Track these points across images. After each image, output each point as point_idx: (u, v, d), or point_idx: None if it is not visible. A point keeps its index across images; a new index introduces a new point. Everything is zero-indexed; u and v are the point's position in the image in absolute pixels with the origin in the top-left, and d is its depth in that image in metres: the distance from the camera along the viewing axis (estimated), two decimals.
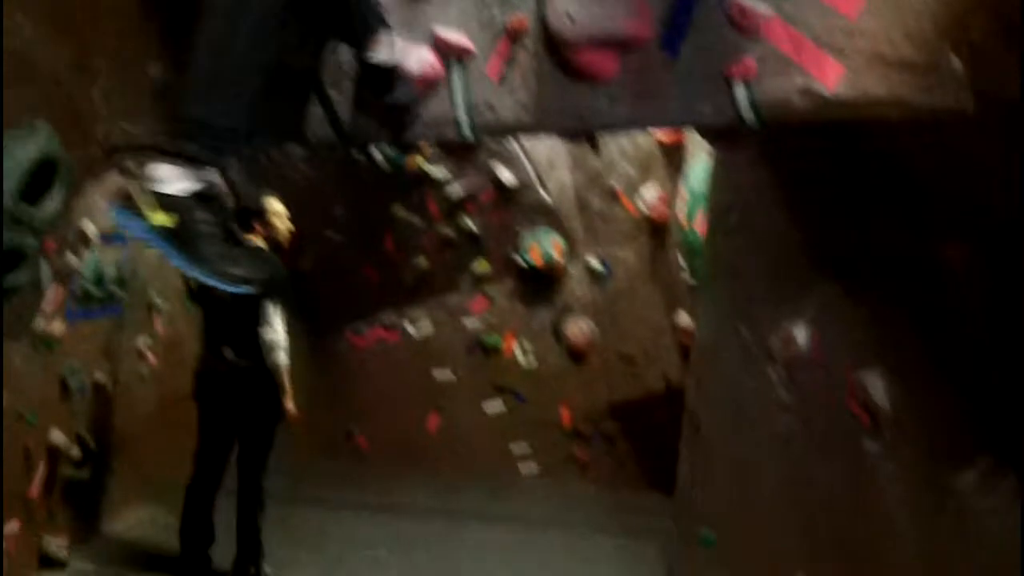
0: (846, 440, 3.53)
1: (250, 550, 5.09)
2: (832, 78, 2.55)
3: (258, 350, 4.95)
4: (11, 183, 3.45)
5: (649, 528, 6.22)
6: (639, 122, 3.03)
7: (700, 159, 5.69)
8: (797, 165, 3.56)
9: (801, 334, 3.65)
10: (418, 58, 2.92)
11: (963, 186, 2.79)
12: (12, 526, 4.33)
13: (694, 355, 4.15)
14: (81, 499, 5.20)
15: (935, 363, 3.16)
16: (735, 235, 3.86)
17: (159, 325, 6.13)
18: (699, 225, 5.40)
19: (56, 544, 4.83)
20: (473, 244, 7.46)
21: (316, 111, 3.43)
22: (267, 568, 5.13)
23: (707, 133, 3.68)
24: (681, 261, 6.23)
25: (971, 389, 3.02)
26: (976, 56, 2.41)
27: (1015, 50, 2.29)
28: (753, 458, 3.88)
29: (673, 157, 6.52)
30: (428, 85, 2.95)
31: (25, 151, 3.50)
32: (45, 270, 4.14)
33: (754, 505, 3.87)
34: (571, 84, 2.81)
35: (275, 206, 5.20)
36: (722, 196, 3.96)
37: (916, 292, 3.19)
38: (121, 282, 5.22)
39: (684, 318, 6.61)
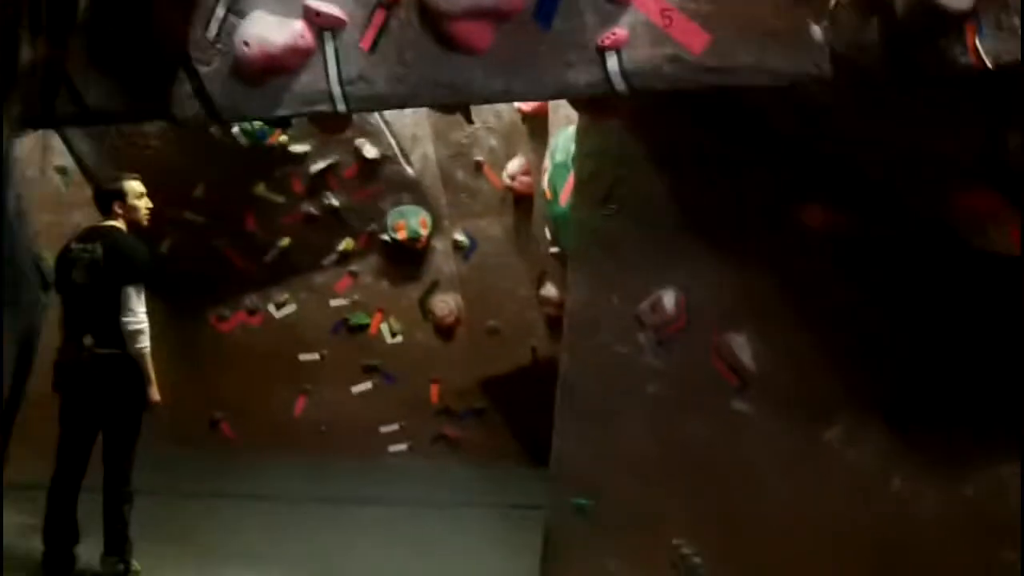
0: (716, 401, 3.65)
1: (118, 545, 4.91)
2: (699, 46, 2.61)
3: (120, 338, 4.78)
4: None
5: (525, 502, 6.28)
6: (513, 93, 3.04)
7: (563, 130, 5.74)
8: (665, 133, 3.64)
9: (670, 300, 3.75)
10: (288, 31, 2.87)
11: (825, 150, 2.91)
12: None
13: (567, 325, 4.19)
14: None
15: (799, 323, 3.30)
16: (604, 204, 3.92)
17: None
18: (564, 196, 5.45)
19: None
20: (337, 221, 7.35)
21: (182, 87, 3.32)
22: (135, 563, 4.97)
23: (578, 103, 3.72)
24: (547, 233, 6.27)
25: (835, 347, 3.17)
26: (836, 24, 2.50)
27: (873, 18, 2.39)
28: (627, 424, 3.96)
29: (536, 128, 6.55)
30: (299, 57, 2.90)
31: None
32: None
33: (629, 471, 3.95)
34: (445, 55, 2.80)
35: (135, 187, 5.01)
36: (591, 165, 4.00)
37: (780, 254, 3.32)
38: None
39: (550, 290, 6.66)
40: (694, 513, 3.74)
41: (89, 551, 4.91)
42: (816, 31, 2.53)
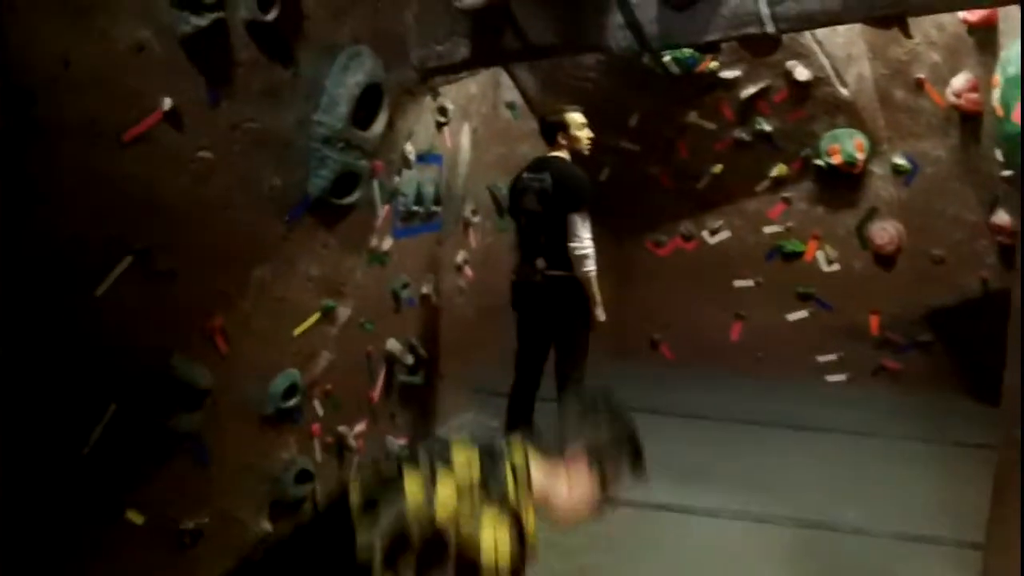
0: None
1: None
2: None
3: (568, 261, 5.18)
4: (343, 109, 3.79)
5: (971, 440, 5.98)
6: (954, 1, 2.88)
7: (1016, 40, 5.29)
8: None
9: None
10: None
11: None
12: (360, 426, 4.80)
13: (1020, 253, 3.89)
14: (415, 402, 5.64)
15: None
16: None
17: (473, 239, 6.53)
18: (1016, 113, 5.04)
19: (396, 444, 5.28)
20: (769, 147, 7.33)
21: (614, 19, 3.50)
22: None
23: None
24: (998, 154, 5.83)
25: None
26: None
27: None
28: None
29: (985, 40, 6.06)
30: None
31: (354, 77, 3.83)
32: (377, 190, 4.51)
33: None
34: None
35: (577, 118, 5.37)
36: None
37: None
38: (438, 200, 5.56)
39: (1003, 216, 6.21)
40: None
41: None
42: None
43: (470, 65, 4.27)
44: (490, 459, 2.34)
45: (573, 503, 2.42)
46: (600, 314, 5.29)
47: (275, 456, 4.06)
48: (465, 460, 2.32)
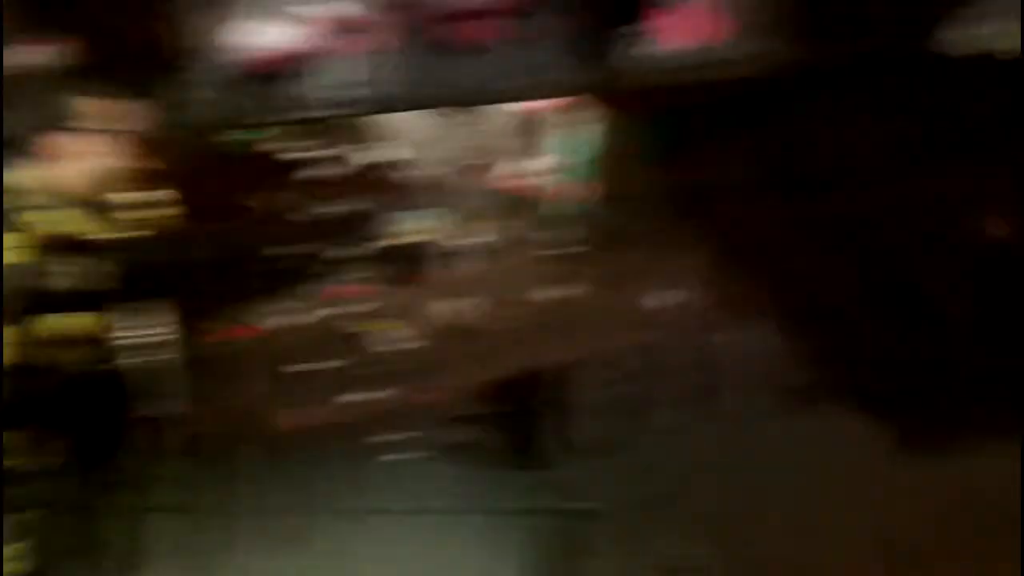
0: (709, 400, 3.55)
1: None
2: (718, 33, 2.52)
3: None
4: None
5: (519, 507, 6.17)
6: (522, 92, 2.97)
7: (571, 128, 5.65)
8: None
9: (677, 297, 3.66)
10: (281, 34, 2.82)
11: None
12: None
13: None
14: None
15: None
16: (615, 202, 3.84)
17: None
18: (571, 194, 5.35)
19: None
20: (342, 227, 7.28)
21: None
22: None
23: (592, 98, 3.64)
24: (552, 234, 6.17)
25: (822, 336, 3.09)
26: None
27: None
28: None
29: (541, 127, 6.44)
30: (295, 62, 2.84)
31: None
32: None
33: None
34: (450, 55, 2.73)
35: None
36: (600, 162, 3.91)
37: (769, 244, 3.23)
38: None
39: (556, 292, 6.56)
40: (693, 515, 3.65)
41: None
42: None
43: None
44: None
45: None
46: None
47: None
48: None
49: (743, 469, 3.38)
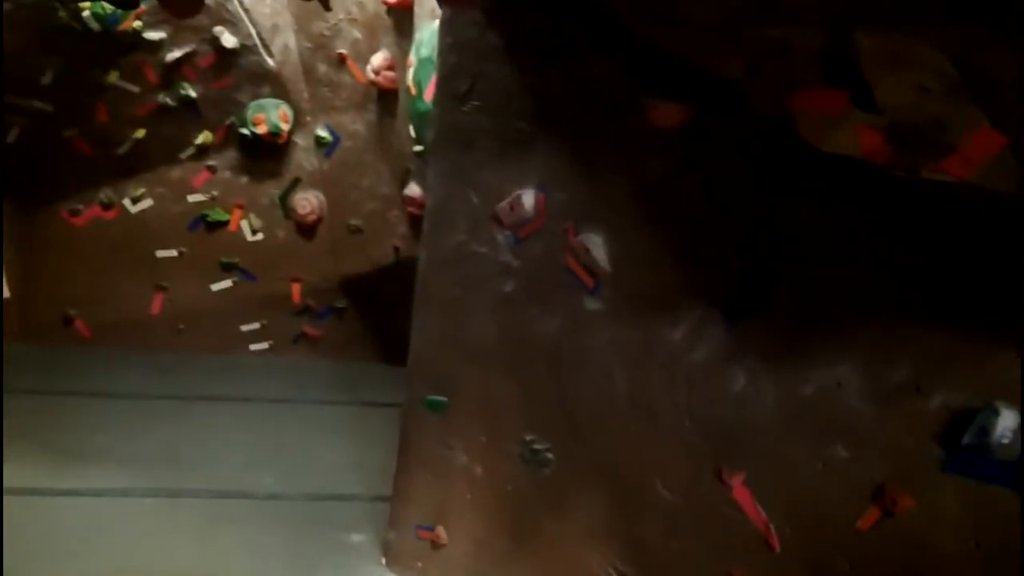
0: (569, 299, 3.68)
1: None
2: None
3: None
4: None
5: (382, 400, 6.31)
6: None
7: (429, 24, 5.63)
8: (522, 25, 3.58)
9: (528, 199, 3.73)
10: None
11: (672, 45, 2.89)
12: None
13: (425, 224, 4.14)
14: None
15: (651, 223, 3.33)
16: (463, 100, 3.85)
17: None
18: (429, 92, 5.35)
19: None
20: (194, 113, 7.04)
21: None
22: None
23: None
24: (410, 131, 6.17)
25: (683, 247, 3.22)
26: None
27: None
28: (480, 323, 3.97)
29: (402, 21, 6.37)
30: None
31: None
32: None
33: (483, 368, 3.98)
34: None
35: None
36: (452, 59, 3.91)
37: (630, 152, 3.32)
38: None
39: (414, 189, 6.60)
40: (544, 408, 3.80)
41: None
42: None
43: None
44: None
45: None
46: (5, 290, 4.75)
47: None
48: None
49: (598, 370, 3.54)
